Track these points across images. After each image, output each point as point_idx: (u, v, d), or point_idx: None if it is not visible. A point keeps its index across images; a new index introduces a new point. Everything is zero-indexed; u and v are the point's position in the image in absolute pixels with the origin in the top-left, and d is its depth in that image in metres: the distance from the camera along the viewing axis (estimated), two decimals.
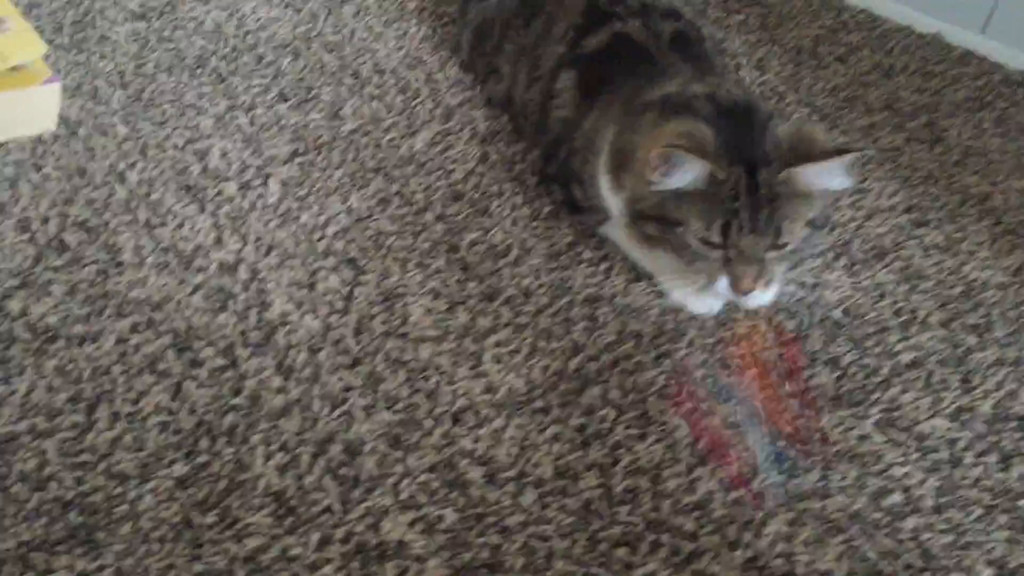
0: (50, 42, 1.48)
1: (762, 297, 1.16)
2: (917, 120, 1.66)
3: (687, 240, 1.11)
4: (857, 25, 1.92)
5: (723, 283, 1.11)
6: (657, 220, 1.13)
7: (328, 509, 0.94)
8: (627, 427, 1.06)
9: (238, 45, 1.59)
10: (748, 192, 1.07)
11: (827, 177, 1.10)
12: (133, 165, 1.31)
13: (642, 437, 1.05)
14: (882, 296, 1.27)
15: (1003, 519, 1.02)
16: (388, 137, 1.43)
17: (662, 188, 1.10)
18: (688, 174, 1.08)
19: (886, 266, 1.33)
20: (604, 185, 1.22)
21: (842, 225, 1.39)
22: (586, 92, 1.28)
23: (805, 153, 1.09)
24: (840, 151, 1.09)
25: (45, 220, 1.20)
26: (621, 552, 0.94)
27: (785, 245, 1.11)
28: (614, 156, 1.20)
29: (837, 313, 1.24)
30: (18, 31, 1.35)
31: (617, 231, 1.25)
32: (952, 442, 1.10)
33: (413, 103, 1.51)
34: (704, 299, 1.18)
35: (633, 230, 1.17)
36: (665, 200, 1.11)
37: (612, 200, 1.21)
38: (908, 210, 1.44)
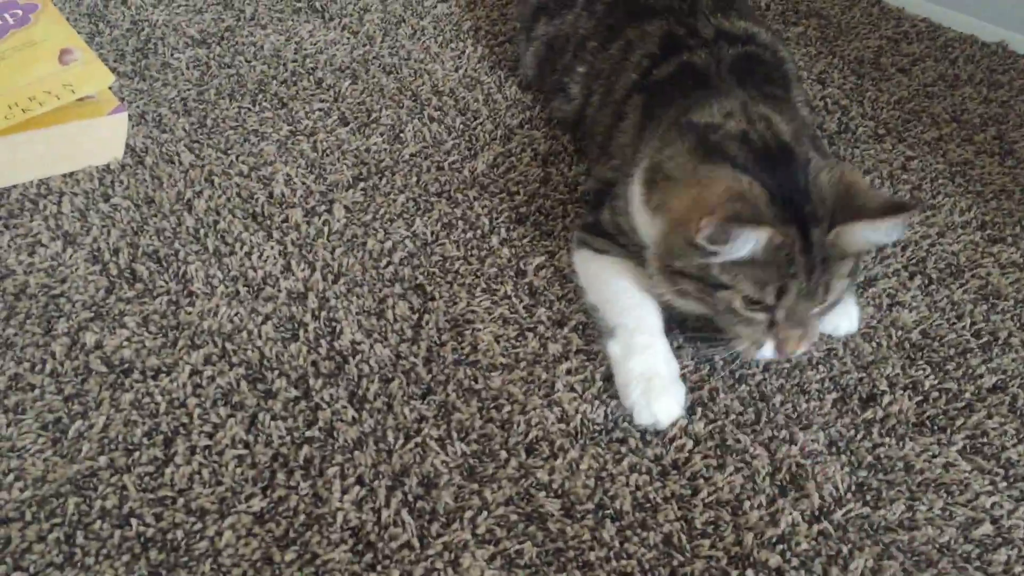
0: (113, 70, 1.50)
1: (846, 324, 1.15)
2: (986, 132, 1.62)
3: (732, 304, 1.04)
4: (919, 35, 1.88)
5: (768, 348, 1.05)
6: (697, 280, 1.05)
7: (407, 544, 0.93)
8: (704, 456, 1.04)
9: (297, 69, 1.60)
10: (803, 255, 1.00)
11: (879, 234, 1.04)
12: (200, 193, 1.31)
13: (720, 467, 1.03)
14: (960, 316, 1.24)
15: None
16: (450, 160, 1.43)
17: (713, 260, 1.01)
18: (748, 245, 0.98)
19: (962, 285, 1.29)
20: (636, 197, 1.14)
21: (915, 243, 1.36)
22: (648, 118, 1.26)
23: (853, 207, 1.01)
24: (894, 208, 1.01)
25: (116, 251, 1.21)
26: None
27: (830, 303, 1.06)
28: (650, 172, 1.13)
29: (915, 335, 1.21)
30: (86, 61, 1.36)
31: (598, 271, 1.18)
32: None
33: (473, 124, 1.51)
34: (652, 410, 1.05)
35: (663, 280, 1.08)
36: (710, 264, 1.02)
37: (641, 215, 1.13)
38: (982, 226, 1.41)
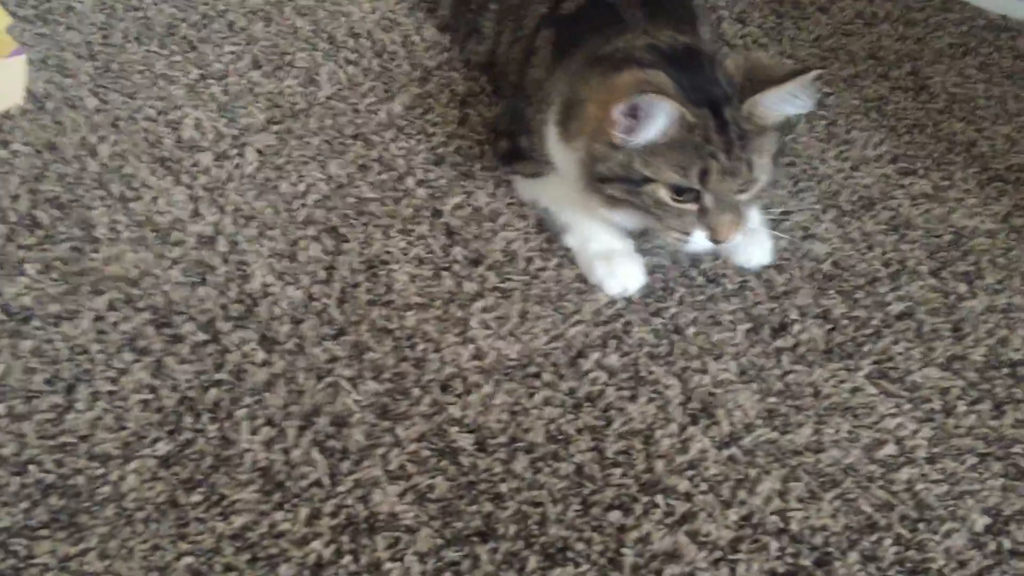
0: (13, 14, 1.44)
1: (758, 255, 1.16)
2: (901, 69, 1.64)
3: (658, 197, 1.06)
4: None
5: (699, 236, 1.07)
6: (622, 181, 1.07)
7: (317, 483, 0.92)
8: (618, 389, 1.05)
9: (208, 12, 1.55)
10: (718, 132, 1.04)
11: (789, 101, 1.06)
12: (104, 138, 1.28)
13: (633, 398, 1.04)
14: (871, 247, 1.26)
15: (997, 467, 1.02)
16: (366, 102, 1.40)
17: (631, 145, 1.04)
18: (659, 122, 1.02)
19: (874, 216, 1.31)
20: (551, 136, 1.17)
21: (829, 177, 1.37)
22: (559, 52, 1.25)
23: (760, 80, 1.05)
24: (798, 71, 1.05)
25: (15, 197, 1.17)
26: (615, 515, 0.93)
27: (756, 183, 1.08)
28: (563, 109, 1.15)
29: (827, 266, 1.22)
30: None
31: (544, 188, 1.22)
32: (944, 391, 1.09)
33: (390, 66, 1.48)
34: (619, 279, 1.14)
35: (592, 192, 1.11)
36: (631, 159, 1.05)
37: (559, 153, 1.17)
38: (894, 160, 1.42)
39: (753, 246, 1.19)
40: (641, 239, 1.20)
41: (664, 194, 1.06)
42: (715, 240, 1.07)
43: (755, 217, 1.19)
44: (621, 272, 1.14)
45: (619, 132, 1.04)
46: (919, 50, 1.70)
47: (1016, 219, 1.34)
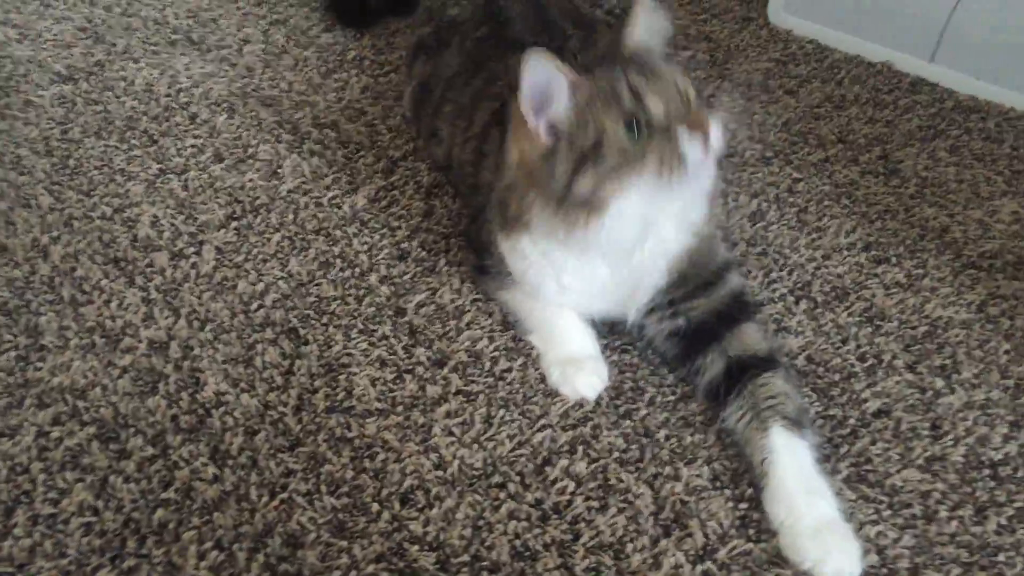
0: None
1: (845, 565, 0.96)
2: (871, 152, 1.63)
3: (621, 146, 1.01)
4: (806, 57, 1.90)
5: (687, 148, 1.01)
6: (580, 164, 1.02)
7: None
8: (586, 498, 1.00)
9: (170, 104, 1.53)
10: (617, 62, 1.05)
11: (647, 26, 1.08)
12: (57, 239, 1.24)
13: (603, 509, 1.00)
14: (845, 340, 1.23)
15: None
16: (329, 195, 1.38)
17: (552, 119, 1.03)
18: (553, 84, 1.01)
19: (847, 308, 1.29)
20: (499, 238, 1.16)
21: (801, 266, 1.35)
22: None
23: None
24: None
25: None
26: None
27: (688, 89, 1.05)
28: (498, 203, 1.14)
29: (800, 360, 1.19)
30: None
31: (511, 295, 1.20)
32: (925, 495, 1.05)
33: (355, 157, 1.46)
34: (577, 386, 1.11)
35: (574, 218, 1.04)
36: (571, 145, 1.03)
37: (511, 249, 1.14)
38: (867, 247, 1.41)
39: (832, 550, 0.96)
40: (613, 336, 1.16)
41: (622, 135, 1.01)
42: (703, 133, 1.01)
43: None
44: (577, 379, 1.11)
45: (532, 117, 1.03)
46: (889, 133, 1.70)
47: (991, 308, 1.32)
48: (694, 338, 1.12)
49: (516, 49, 1.28)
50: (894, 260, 1.38)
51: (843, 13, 1.92)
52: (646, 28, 1.09)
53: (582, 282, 1.12)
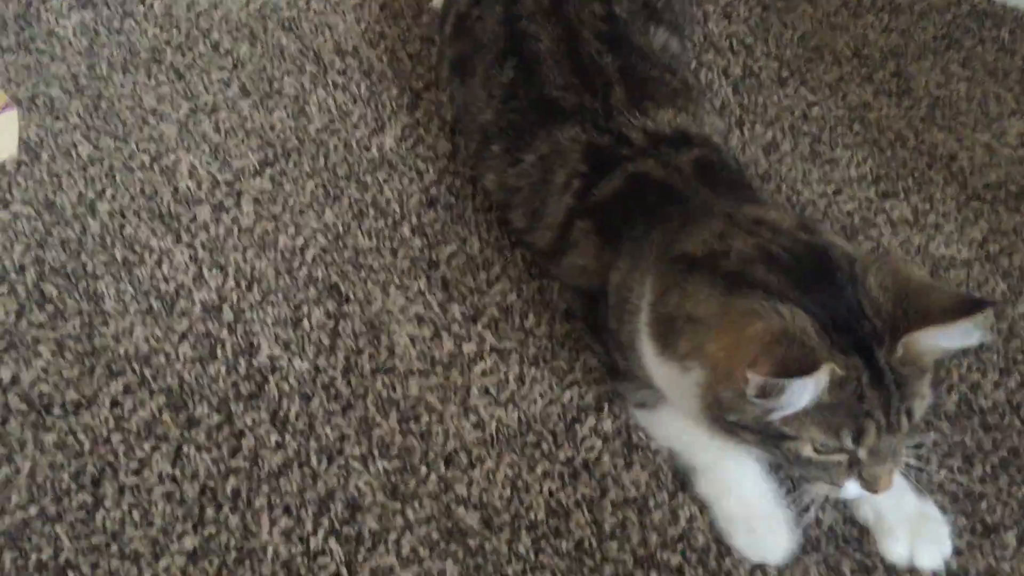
0: None
1: (929, 556, 1.03)
2: (885, 69, 1.65)
3: (800, 454, 0.92)
4: None
5: (852, 486, 0.95)
6: (755, 432, 0.93)
7: (335, 574, 0.99)
8: (613, 455, 1.11)
9: (191, 31, 1.54)
10: (873, 385, 0.88)
11: (954, 338, 0.90)
12: (102, 193, 1.29)
13: (628, 465, 1.10)
14: None
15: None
16: (357, 135, 1.41)
17: (768, 415, 0.89)
18: (807, 394, 0.85)
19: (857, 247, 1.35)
20: (648, 353, 1.01)
21: (812, 203, 1.41)
22: (607, 239, 1.13)
23: (918, 311, 0.88)
24: (966, 307, 0.88)
25: (21, 269, 1.20)
26: None
27: (916, 428, 0.96)
28: (661, 322, 0.99)
29: None
30: None
31: (660, 421, 1.10)
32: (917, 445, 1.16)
33: (379, 89, 1.48)
34: (760, 549, 1.04)
35: (717, 432, 0.96)
36: (767, 414, 0.90)
37: (663, 375, 1.01)
38: (876, 180, 1.46)
39: (923, 540, 1.02)
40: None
41: (808, 451, 0.92)
42: (872, 491, 0.95)
43: (928, 507, 1.05)
44: (765, 543, 1.03)
45: (754, 397, 0.87)
46: (903, 45, 1.71)
47: (991, 245, 1.39)
48: None
49: (557, 117, 1.20)
50: (902, 195, 1.44)
51: None
52: (940, 340, 0.90)
53: None
